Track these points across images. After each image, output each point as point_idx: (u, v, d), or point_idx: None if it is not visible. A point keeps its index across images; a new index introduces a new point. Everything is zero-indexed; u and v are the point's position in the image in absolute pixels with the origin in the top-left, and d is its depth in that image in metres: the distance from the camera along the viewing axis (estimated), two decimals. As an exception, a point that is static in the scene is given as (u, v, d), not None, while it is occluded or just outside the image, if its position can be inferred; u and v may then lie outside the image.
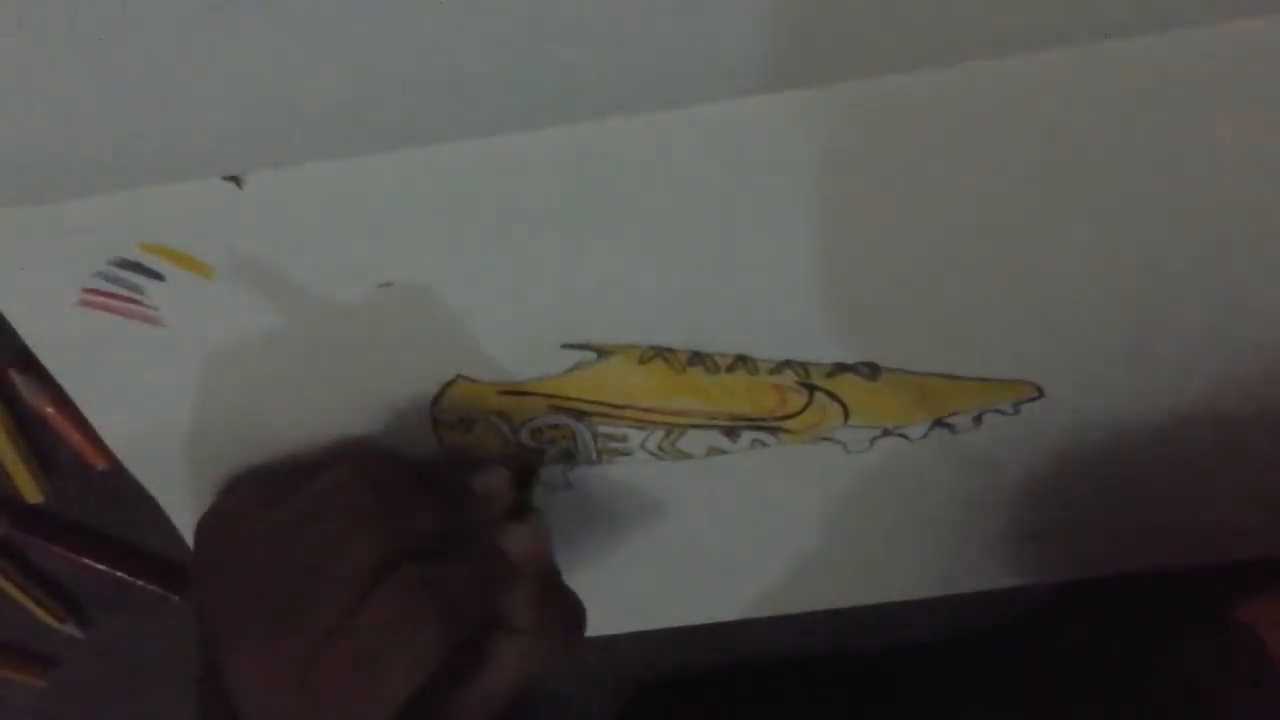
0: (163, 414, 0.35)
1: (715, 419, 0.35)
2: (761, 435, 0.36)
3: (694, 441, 0.36)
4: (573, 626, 0.34)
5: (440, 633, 0.29)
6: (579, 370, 0.34)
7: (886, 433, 0.36)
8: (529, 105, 0.27)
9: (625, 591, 0.43)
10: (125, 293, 0.31)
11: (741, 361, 0.33)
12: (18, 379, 0.36)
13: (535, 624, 0.32)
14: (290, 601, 0.30)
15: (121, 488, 0.38)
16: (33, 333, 0.32)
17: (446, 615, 0.29)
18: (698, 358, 0.33)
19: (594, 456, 0.37)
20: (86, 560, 0.43)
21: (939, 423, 0.35)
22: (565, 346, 0.33)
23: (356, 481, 0.32)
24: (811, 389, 0.34)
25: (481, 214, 0.29)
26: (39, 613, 0.45)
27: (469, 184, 0.28)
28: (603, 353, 0.33)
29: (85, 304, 0.31)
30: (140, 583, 0.43)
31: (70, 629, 0.46)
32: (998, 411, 0.35)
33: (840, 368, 0.34)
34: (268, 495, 0.34)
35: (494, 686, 0.32)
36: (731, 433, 0.36)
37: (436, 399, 0.35)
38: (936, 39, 0.25)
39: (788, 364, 0.33)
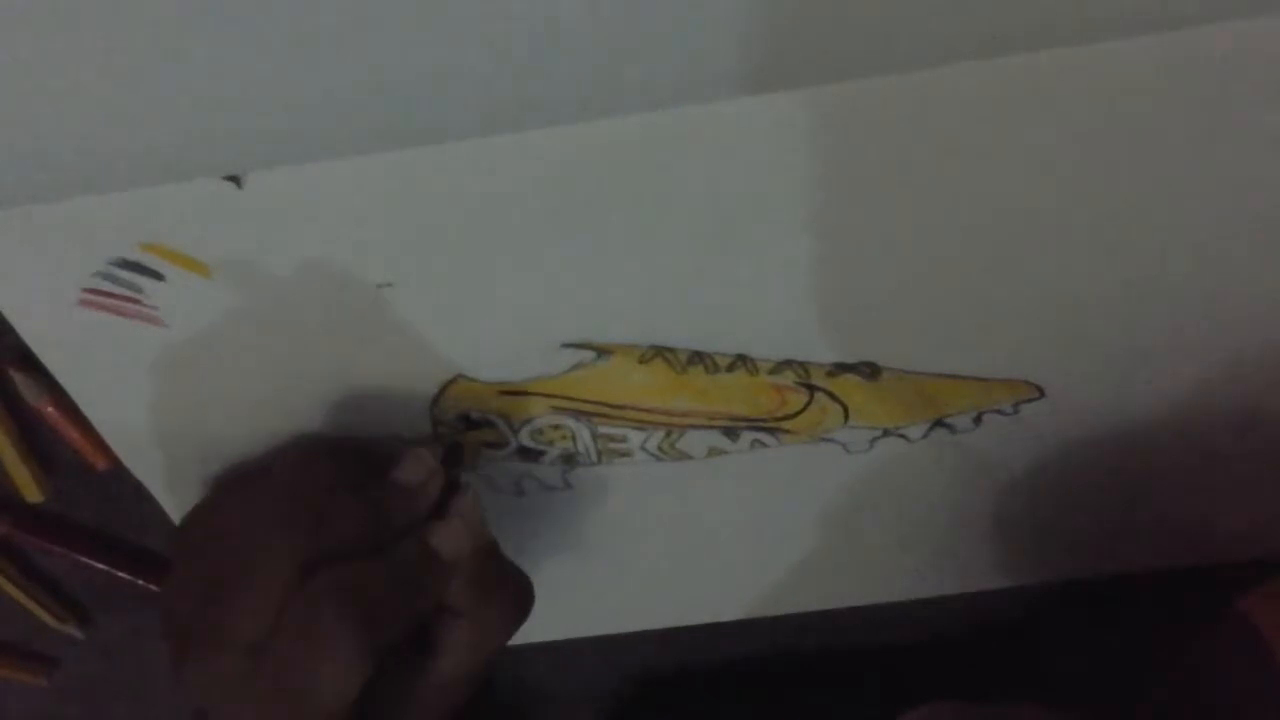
0: (163, 414, 0.35)
1: (715, 419, 0.35)
2: (761, 435, 0.36)
3: (694, 442, 0.36)
4: (516, 602, 0.34)
5: (361, 639, 0.28)
6: (579, 370, 0.34)
7: (886, 433, 0.36)
8: (528, 105, 0.27)
9: (625, 591, 0.43)
10: (125, 293, 0.31)
11: (741, 361, 0.33)
12: (18, 379, 0.36)
13: (474, 606, 0.32)
14: (220, 614, 0.29)
15: (121, 488, 0.38)
16: (33, 333, 0.32)
17: (366, 620, 0.29)
18: (698, 357, 0.33)
19: (594, 457, 0.37)
20: (86, 560, 0.43)
21: (939, 423, 0.35)
22: (565, 346, 0.33)
23: (278, 484, 0.32)
24: (811, 389, 0.34)
25: (481, 214, 0.29)
26: (39, 613, 0.45)
27: (468, 184, 0.28)
28: (603, 353, 0.33)
29: (85, 304, 0.31)
30: (140, 583, 0.43)
31: (70, 629, 0.46)
32: (998, 411, 0.35)
33: (840, 368, 0.34)
34: (222, 498, 0.34)
35: (447, 671, 0.32)
36: (731, 433, 0.36)
37: (436, 399, 0.35)
38: (936, 39, 0.25)
39: (788, 364, 0.33)
